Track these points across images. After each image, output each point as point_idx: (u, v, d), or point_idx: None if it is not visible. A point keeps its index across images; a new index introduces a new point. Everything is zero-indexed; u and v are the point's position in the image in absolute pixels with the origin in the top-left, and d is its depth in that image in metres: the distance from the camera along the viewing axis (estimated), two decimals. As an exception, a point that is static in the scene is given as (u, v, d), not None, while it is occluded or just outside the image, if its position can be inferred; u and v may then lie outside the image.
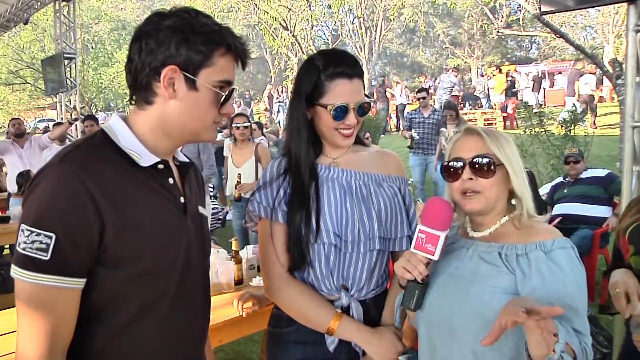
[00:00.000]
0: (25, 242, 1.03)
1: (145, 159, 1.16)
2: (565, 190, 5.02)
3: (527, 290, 1.26)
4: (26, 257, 1.03)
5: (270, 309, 2.56)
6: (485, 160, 1.34)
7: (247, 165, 5.04)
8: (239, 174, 5.00)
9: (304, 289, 1.56)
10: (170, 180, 1.23)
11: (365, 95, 1.57)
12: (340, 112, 1.51)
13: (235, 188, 4.97)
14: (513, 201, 1.38)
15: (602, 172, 4.96)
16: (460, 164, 1.37)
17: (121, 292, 1.13)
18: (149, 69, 1.13)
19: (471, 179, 1.35)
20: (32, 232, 1.03)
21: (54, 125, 8.03)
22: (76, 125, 10.75)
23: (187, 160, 1.33)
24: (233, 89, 1.20)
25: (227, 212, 7.95)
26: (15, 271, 1.05)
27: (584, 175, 4.95)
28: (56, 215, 1.03)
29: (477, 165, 1.34)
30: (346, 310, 1.56)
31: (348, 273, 1.56)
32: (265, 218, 1.57)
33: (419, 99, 7.71)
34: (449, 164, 1.39)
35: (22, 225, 1.05)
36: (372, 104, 1.62)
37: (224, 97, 1.18)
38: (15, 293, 1.07)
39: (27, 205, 1.07)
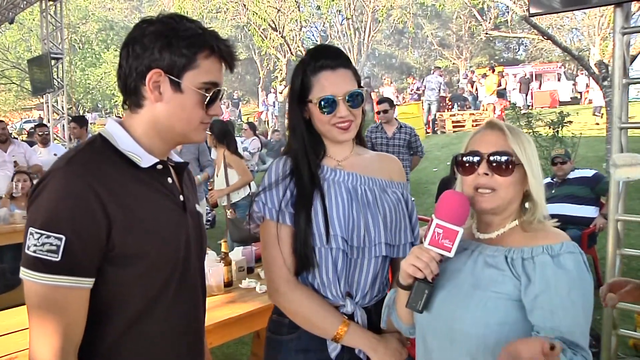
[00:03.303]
0: (35, 245, 1.07)
1: (145, 160, 1.22)
2: (552, 191, 5.06)
3: (530, 296, 1.20)
4: (36, 259, 1.07)
5: (260, 312, 2.57)
6: (505, 157, 1.27)
7: (221, 172, 5.07)
8: (211, 181, 5.09)
9: (311, 295, 1.52)
10: (169, 180, 1.29)
11: (359, 86, 1.54)
12: (328, 105, 1.49)
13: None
14: (527, 204, 1.31)
15: (589, 173, 5.01)
16: (476, 158, 1.30)
17: (128, 289, 1.18)
18: (136, 73, 1.19)
19: (487, 174, 1.28)
20: (41, 234, 1.07)
21: (36, 127, 7.89)
22: (63, 125, 10.69)
23: (181, 161, 1.38)
24: (219, 90, 1.24)
25: (215, 214, 7.97)
26: (25, 273, 1.09)
27: (571, 175, 5.00)
28: (65, 217, 1.07)
29: (495, 162, 1.27)
30: (350, 318, 1.53)
31: (353, 279, 1.54)
32: (270, 220, 1.53)
33: (378, 112, 5.99)
34: (465, 158, 1.32)
35: (31, 228, 1.08)
36: (364, 94, 1.54)
37: (208, 98, 1.22)
38: (25, 295, 1.10)
39: (34, 208, 1.11)
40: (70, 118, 8.58)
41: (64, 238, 1.06)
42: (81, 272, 1.10)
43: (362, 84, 1.60)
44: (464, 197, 1.30)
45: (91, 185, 1.10)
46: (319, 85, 1.50)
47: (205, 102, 1.22)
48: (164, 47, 1.17)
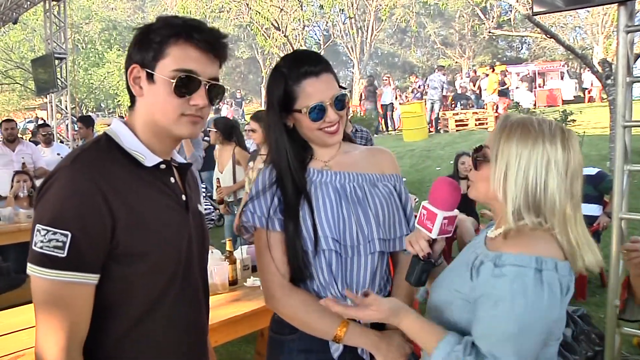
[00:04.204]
0: (42, 241, 1.09)
1: (149, 159, 1.23)
2: (556, 190, 5.04)
3: (472, 300, 1.22)
4: (43, 255, 1.09)
5: (265, 311, 2.57)
6: (478, 153, 1.30)
7: (227, 169, 5.05)
8: (218, 179, 5.06)
9: (306, 298, 1.51)
10: (172, 180, 1.30)
11: (341, 87, 1.52)
12: (318, 112, 1.47)
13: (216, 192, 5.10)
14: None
15: (592, 171, 4.99)
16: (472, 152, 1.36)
17: (132, 287, 1.19)
18: (126, 73, 1.24)
19: (469, 165, 1.33)
20: (48, 231, 1.09)
21: (39, 127, 7.89)
22: (67, 125, 10.72)
23: (185, 162, 1.39)
24: (190, 76, 1.19)
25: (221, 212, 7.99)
26: (32, 269, 1.11)
27: (575, 174, 4.99)
28: (71, 214, 1.09)
29: (473, 155, 1.31)
30: (351, 318, 1.49)
31: (352, 279, 1.53)
32: (261, 228, 1.52)
33: None
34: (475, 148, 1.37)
35: (38, 225, 1.10)
36: (347, 94, 1.53)
37: (174, 83, 1.17)
38: (32, 291, 1.12)
39: (40, 206, 1.13)
40: (76, 118, 8.59)
41: (69, 234, 1.08)
42: (86, 268, 1.12)
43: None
44: (452, 184, 1.34)
45: (97, 183, 1.12)
46: (306, 93, 1.47)
47: (173, 88, 1.18)
48: (137, 42, 1.21)
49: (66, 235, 1.08)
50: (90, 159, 1.17)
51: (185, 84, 1.19)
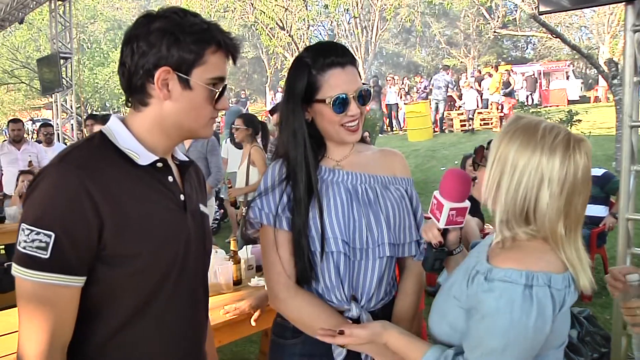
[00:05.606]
0: (25, 241, 1.05)
1: (144, 157, 1.19)
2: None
3: (466, 308, 1.21)
4: (26, 255, 1.05)
5: (269, 311, 2.57)
6: (477, 154, 1.29)
7: (241, 169, 5.00)
8: (229, 179, 5.00)
9: (312, 300, 1.47)
10: (170, 178, 1.25)
11: (363, 83, 1.49)
12: (341, 103, 1.43)
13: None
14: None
15: (598, 172, 4.96)
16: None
17: (120, 289, 1.15)
18: (142, 71, 1.16)
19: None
20: (32, 231, 1.05)
21: (40, 126, 7.93)
22: (72, 125, 10.75)
23: (187, 159, 1.35)
24: (226, 84, 1.24)
25: (223, 213, 8.00)
26: (16, 269, 1.07)
27: (581, 174, 4.96)
28: (55, 214, 1.05)
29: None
30: (356, 322, 1.48)
31: (358, 282, 1.50)
32: (268, 225, 1.49)
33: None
34: None
35: (22, 224, 1.07)
36: (371, 90, 1.52)
37: (217, 93, 1.20)
38: (16, 291, 1.09)
39: (27, 205, 1.09)
40: (81, 117, 8.61)
41: (53, 235, 1.04)
42: (71, 271, 1.07)
43: (372, 82, 1.57)
44: (461, 175, 1.33)
45: (83, 183, 1.07)
46: (330, 83, 1.43)
47: (215, 97, 1.20)
48: (171, 44, 1.13)
49: (49, 236, 1.04)
50: (80, 157, 1.13)
51: (222, 92, 1.22)
